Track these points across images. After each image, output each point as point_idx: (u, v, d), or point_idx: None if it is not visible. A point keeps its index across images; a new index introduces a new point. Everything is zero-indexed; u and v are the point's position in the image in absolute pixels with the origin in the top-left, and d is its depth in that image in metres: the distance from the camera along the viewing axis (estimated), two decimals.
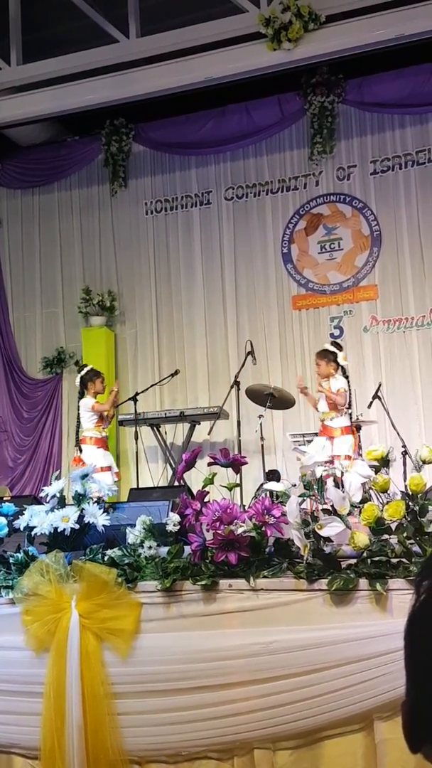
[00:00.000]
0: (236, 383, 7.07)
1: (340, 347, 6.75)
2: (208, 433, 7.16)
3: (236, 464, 2.78)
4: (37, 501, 4.77)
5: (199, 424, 7.69)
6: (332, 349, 6.59)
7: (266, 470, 6.89)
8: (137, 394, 7.48)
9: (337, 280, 8.19)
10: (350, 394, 6.47)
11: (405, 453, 5.79)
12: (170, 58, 7.06)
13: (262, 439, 6.88)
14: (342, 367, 6.49)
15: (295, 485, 5.13)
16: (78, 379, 7.08)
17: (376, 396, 6.82)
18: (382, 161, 8.18)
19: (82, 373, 7.05)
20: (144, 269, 8.77)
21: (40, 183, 9.17)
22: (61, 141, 9.15)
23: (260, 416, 6.86)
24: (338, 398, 6.30)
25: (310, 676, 2.40)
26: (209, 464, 2.79)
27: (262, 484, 6.47)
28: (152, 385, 7.88)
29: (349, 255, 8.19)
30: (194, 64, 6.97)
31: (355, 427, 6.61)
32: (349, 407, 6.46)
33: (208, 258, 8.57)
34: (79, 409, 6.95)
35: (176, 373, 7.96)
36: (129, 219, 8.88)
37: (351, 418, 6.48)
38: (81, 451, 6.70)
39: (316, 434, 7.15)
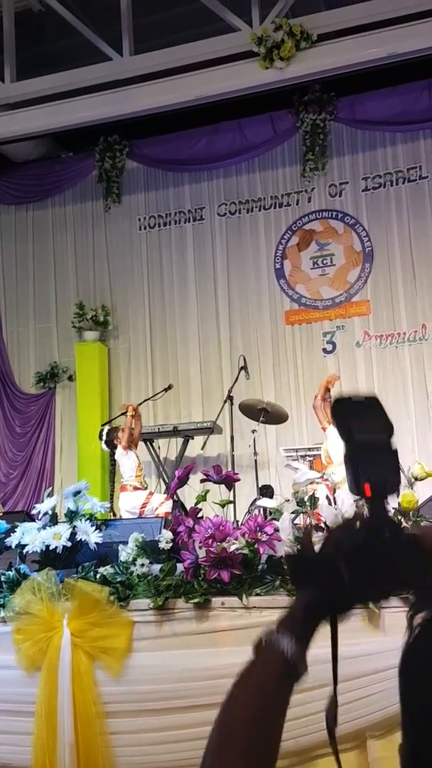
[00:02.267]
0: (230, 398, 7.08)
1: None
2: (202, 448, 7.16)
3: (229, 481, 2.78)
4: (30, 517, 4.75)
5: (193, 438, 7.69)
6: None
7: (260, 485, 6.88)
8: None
9: (329, 295, 8.22)
10: None
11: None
12: (163, 76, 7.10)
13: (255, 454, 6.89)
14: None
15: (288, 501, 5.13)
16: (104, 445, 7.02)
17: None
18: (374, 178, 8.25)
19: (104, 438, 6.99)
20: (137, 284, 8.79)
21: (35, 199, 9.21)
22: (55, 157, 9.19)
23: (253, 431, 6.86)
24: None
25: (303, 694, 2.36)
26: (202, 481, 2.79)
27: (255, 500, 6.47)
28: (146, 400, 7.88)
29: (341, 270, 8.24)
30: (187, 82, 7.02)
31: None
32: None
33: (201, 273, 8.60)
34: (113, 465, 6.90)
35: (170, 387, 7.96)
36: (123, 234, 8.91)
37: None
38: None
39: (309, 449, 7.18)
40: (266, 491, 6.91)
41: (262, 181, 8.57)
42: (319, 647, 2.52)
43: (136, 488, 6.69)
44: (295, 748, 2.42)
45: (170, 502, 6.76)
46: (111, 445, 6.92)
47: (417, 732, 0.85)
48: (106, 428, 7.05)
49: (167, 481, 7.55)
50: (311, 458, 7.01)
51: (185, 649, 2.55)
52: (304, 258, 8.35)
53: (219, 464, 2.88)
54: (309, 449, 7.14)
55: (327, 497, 2.90)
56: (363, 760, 2.34)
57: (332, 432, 6.24)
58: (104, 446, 7.04)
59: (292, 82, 7.08)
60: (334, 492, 2.40)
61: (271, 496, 7.06)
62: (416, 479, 2.51)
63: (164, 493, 7.26)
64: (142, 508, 6.58)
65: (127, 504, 6.54)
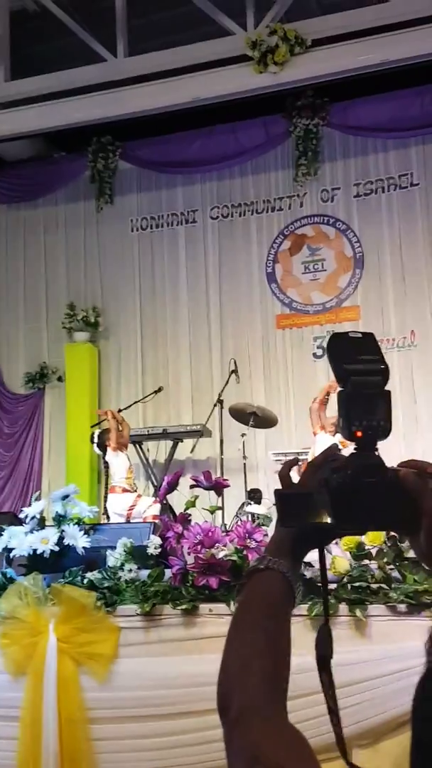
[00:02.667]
0: (220, 401, 7.08)
1: None
2: (191, 452, 7.15)
3: (219, 487, 2.78)
4: (17, 518, 4.73)
5: (182, 441, 7.68)
6: None
7: (248, 489, 6.88)
8: (120, 410, 7.44)
9: (320, 300, 8.24)
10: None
11: None
12: (158, 78, 7.10)
13: (244, 457, 6.89)
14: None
15: (276, 505, 5.12)
16: (96, 448, 6.99)
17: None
18: (365, 184, 8.27)
19: (96, 441, 6.96)
20: (129, 286, 8.78)
21: (26, 198, 9.17)
22: (48, 157, 9.16)
23: (243, 435, 6.87)
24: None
25: (289, 702, 2.39)
26: (191, 487, 2.79)
27: (243, 504, 6.47)
28: (135, 402, 7.87)
29: (332, 276, 8.25)
30: (181, 84, 7.02)
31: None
32: None
33: (193, 276, 8.60)
34: (107, 467, 6.86)
35: (160, 390, 7.96)
36: (115, 235, 8.90)
37: None
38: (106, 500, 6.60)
39: (298, 453, 7.17)
40: (255, 495, 6.91)
41: (255, 185, 8.57)
42: (302, 656, 2.52)
43: (125, 490, 6.66)
44: None
45: (158, 506, 6.75)
46: (103, 447, 6.90)
47: None
48: (97, 431, 7.03)
49: (156, 483, 7.54)
50: (300, 462, 7.00)
51: (172, 656, 2.55)
52: (296, 262, 8.36)
53: (209, 470, 2.88)
54: (298, 453, 7.13)
55: None
56: None
57: (322, 437, 6.23)
58: (96, 449, 7.02)
59: (285, 87, 7.10)
60: None
61: (259, 501, 7.06)
62: None
63: (153, 495, 7.25)
64: (129, 510, 6.55)
65: (115, 506, 6.51)
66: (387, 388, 1.03)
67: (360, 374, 1.03)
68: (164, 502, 6.96)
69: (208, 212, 8.67)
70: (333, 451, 1.07)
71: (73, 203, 9.12)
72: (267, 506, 6.41)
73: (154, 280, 8.75)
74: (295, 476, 1.16)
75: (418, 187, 8.04)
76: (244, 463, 6.90)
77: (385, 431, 1.02)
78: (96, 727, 2.53)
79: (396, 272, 8.01)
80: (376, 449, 1.02)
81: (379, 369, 1.03)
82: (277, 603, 0.99)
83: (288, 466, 1.16)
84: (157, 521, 6.26)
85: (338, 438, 6.05)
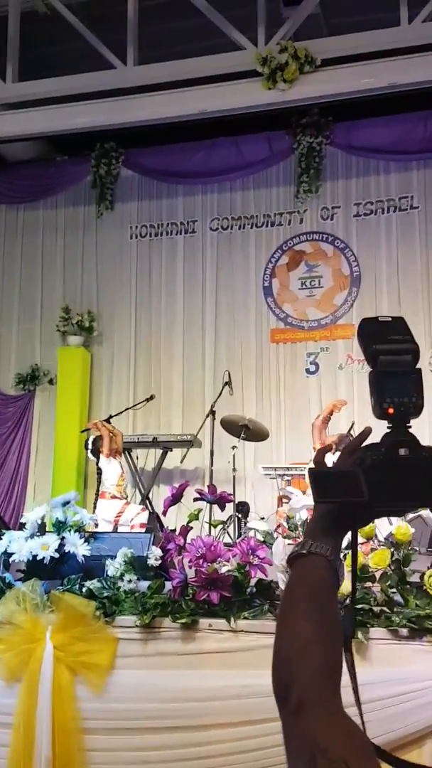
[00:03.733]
0: (212, 412, 7.09)
1: None
2: (181, 461, 7.15)
3: (222, 501, 2.78)
4: (3, 521, 4.69)
5: (171, 450, 7.67)
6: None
7: (236, 501, 6.87)
8: (111, 417, 7.44)
9: (315, 316, 8.28)
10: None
11: None
12: (166, 88, 7.12)
13: (234, 470, 6.90)
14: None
15: (263, 518, 5.12)
16: (90, 453, 6.98)
17: (349, 434, 6.87)
18: (366, 204, 8.34)
19: (90, 447, 6.95)
20: (125, 292, 8.78)
21: (26, 200, 9.16)
22: (50, 160, 9.15)
23: (234, 447, 6.88)
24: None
25: None
26: (195, 500, 2.78)
27: (231, 516, 6.47)
28: (127, 409, 7.86)
29: (328, 293, 8.30)
30: (189, 96, 7.04)
31: None
32: None
33: (189, 286, 8.62)
34: (99, 473, 6.84)
35: (152, 398, 7.95)
36: (113, 242, 8.90)
37: None
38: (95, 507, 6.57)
39: (287, 468, 7.19)
40: (242, 508, 6.92)
41: (256, 199, 8.62)
42: None
43: (113, 497, 6.65)
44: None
45: (146, 513, 6.73)
46: (96, 453, 6.88)
47: None
48: (93, 436, 7.01)
49: (143, 491, 7.53)
50: (289, 477, 7.02)
51: (169, 670, 2.54)
52: (293, 278, 8.41)
53: (213, 484, 2.87)
54: (287, 468, 7.15)
55: None
56: None
57: None
58: (90, 455, 7.00)
59: (292, 105, 7.14)
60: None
61: (246, 514, 7.08)
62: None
63: (140, 503, 7.23)
64: (117, 517, 6.54)
65: (104, 512, 6.49)
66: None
67: (389, 353, 1.04)
68: (154, 512, 6.95)
69: (208, 223, 8.70)
70: (367, 432, 1.08)
71: (73, 207, 9.12)
72: (254, 519, 6.43)
73: (150, 288, 8.75)
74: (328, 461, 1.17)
75: (418, 210, 8.12)
76: (234, 476, 6.90)
77: (417, 408, 1.03)
78: (89, 737, 2.51)
79: (392, 293, 8.07)
80: (409, 426, 1.03)
81: (409, 348, 1.05)
82: (324, 589, 1.00)
83: (322, 452, 1.17)
84: (143, 528, 6.29)
85: (336, 456, 6.07)
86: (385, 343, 1.05)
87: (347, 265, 8.29)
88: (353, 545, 1.09)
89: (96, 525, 6.25)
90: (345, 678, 1.00)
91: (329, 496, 1.03)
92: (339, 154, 8.42)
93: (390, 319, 1.09)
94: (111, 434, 6.93)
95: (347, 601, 2.41)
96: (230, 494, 2.92)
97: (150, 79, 7.15)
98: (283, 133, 8.46)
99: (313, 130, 8.31)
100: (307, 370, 8.18)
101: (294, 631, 0.96)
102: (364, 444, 1.06)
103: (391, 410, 1.02)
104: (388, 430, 1.04)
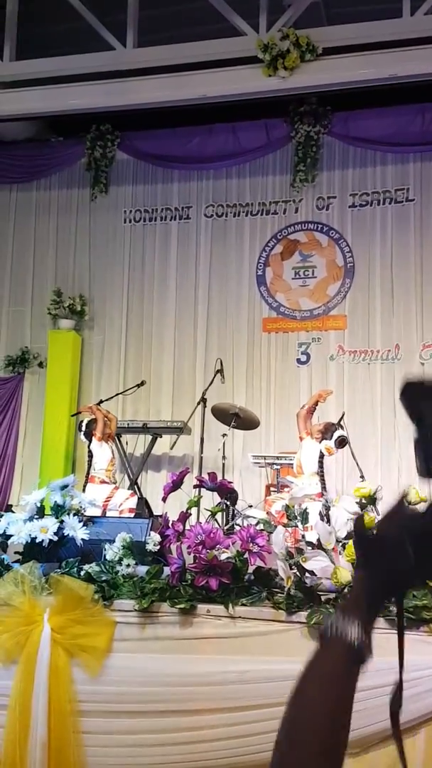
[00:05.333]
0: (203, 400, 7.09)
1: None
2: (171, 448, 7.14)
3: (223, 489, 2.78)
4: None
5: (161, 437, 7.67)
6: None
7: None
8: (101, 401, 7.43)
9: (308, 306, 8.29)
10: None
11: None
12: (165, 71, 7.05)
13: (224, 457, 6.91)
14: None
15: (251, 506, 5.13)
16: (82, 435, 6.97)
17: (339, 425, 6.90)
18: (361, 195, 8.33)
19: (83, 429, 6.95)
20: (117, 277, 8.74)
21: (20, 180, 9.08)
22: (45, 140, 9.07)
23: (224, 435, 6.88)
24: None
25: (282, 708, 2.40)
26: (195, 486, 2.79)
27: (219, 504, 6.47)
28: (117, 394, 7.84)
29: (321, 283, 8.31)
30: (188, 80, 6.99)
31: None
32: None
33: (182, 272, 8.59)
34: (90, 457, 6.83)
35: (142, 383, 7.93)
36: (107, 225, 8.85)
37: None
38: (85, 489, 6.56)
39: (276, 457, 7.22)
40: (231, 496, 6.92)
41: (252, 187, 8.59)
42: (299, 663, 2.52)
43: (103, 481, 6.66)
44: (266, 761, 2.43)
45: (135, 498, 6.75)
46: (89, 436, 6.88)
47: None
48: (86, 419, 7.02)
49: (132, 476, 7.52)
50: (278, 467, 7.05)
51: (166, 654, 2.55)
52: (287, 267, 8.40)
53: (214, 472, 2.88)
54: (277, 457, 7.18)
55: (320, 514, 2.92)
56: None
57: (308, 444, 6.29)
58: (83, 437, 7.00)
59: (292, 93, 7.12)
60: (328, 510, 2.41)
61: (235, 501, 7.09)
62: (410, 504, 2.55)
63: (129, 488, 7.24)
64: (106, 501, 6.55)
65: (92, 497, 6.48)
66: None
67: None
68: (143, 497, 6.96)
69: (203, 210, 8.67)
70: (407, 496, 1.07)
71: (66, 189, 9.05)
72: (242, 507, 6.45)
73: (143, 273, 8.72)
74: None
75: (414, 203, 8.13)
76: (223, 464, 6.92)
77: None
78: (85, 719, 2.52)
79: (385, 285, 8.08)
80: None
81: None
82: (343, 672, 0.97)
83: (362, 519, 1.15)
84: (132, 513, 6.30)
85: (323, 445, 6.12)
86: (430, 403, 1.04)
87: (341, 256, 8.30)
88: (399, 611, 1.07)
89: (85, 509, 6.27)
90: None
91: (374, 563, 1.02)
92: (336, 144, 8.41)
93: None
94: (106, 418, 6.94)
95: (345, 590, 2.44)
96: (231, 482, 2.93)
97: (149, 62, 7.09)
98: (281, 121, 8.44)
99: (310, 118, 8.29)
100: (298, 360, 8.19)
101: (298, 718, 0.95)
102: (407, 507, 1.04)
103: None
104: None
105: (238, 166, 8.61)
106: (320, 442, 6.15)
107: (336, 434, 6.14)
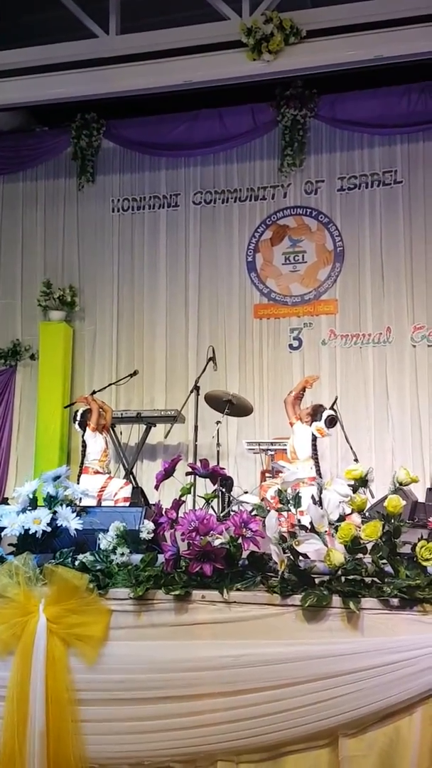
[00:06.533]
0: (196, 387, 7.09)
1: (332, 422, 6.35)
2: (165, 437, 7.15)
3: (215, 475, 2.78)
4: None
5: (155, 426, 7.68)
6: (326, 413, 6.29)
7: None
8: (94, 392, 7.43)
9: (299, 292, 8.28)
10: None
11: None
12: (149, 58, 7.00)
13: (218, 445, 6.92)
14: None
15: (246, 492, 5.15)
16: (77, 425, 6.97)
17: (332, 409, 6.90)
18: (349, 179, 8.31)
19: (78, 419, 6.95)
20: (107, 267, 8.71)
21: (5, 171, 9.02)
22: (30, 130, 9.00)
23: (218, 422, 6.89)
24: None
25: (279, 690, 2.42)
26: (188, 474, 2.79)
27: (214, 491, 6.48)
28: (110, 384, 7.84)
29: (312, 268, 8.29)
30: (173, 66, 6.94)
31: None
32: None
33: (172, 260, 8.56)
34: (84, 447, 6.83)
35: (135, 373, 7.93)
36: (95, 215, 8.81)
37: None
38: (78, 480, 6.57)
39: (271, 443, 7.23)
40: (226, 483, 6.94)
41: (239, 173, 8.56)
42: (294, 645, 2.52)
43: (96, 472, 6.67)
44: (265, 743, 2.45)
45: (129, 488, 6.76)
46: (83, 426, 6.88)
47: None
48: (81, 409, 7.02)
49: (126, 466, 7.53)
50: (272, 452, 7.07)
51: (162, 641, 2.55)
52: (277, 253, 8.38)
53: (206, 458, 2.88)
54: (271, 443, 7.20)
55: (313, 498, 2.94)
56: (334, 758, 2.38)
57: (299, 428, 6.31)
58: (77, 427, 7.00)
59: (277, 76, 7.08)
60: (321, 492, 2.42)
61: (230, 488, 7.11)
62: (401, 485, 2.56)
63: (123, 478, 7.25)
64: (100, 491, 6.56)
65: (87, 487, 6.49)
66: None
67: None
68: (138, 486, 6.96)
69: (191, 197, 8.64)
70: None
71: (53, 179, 9.00)
72: (237, 494, 6.47)
73: (132, 262, 8.69)
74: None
75: (402, 185, 8.11)
76: (218, 451, 6.93)
77: None
78: (83, 708, 2.53)
79: (375, 269, 8.08)
80: None
81: None
82: None
83: None
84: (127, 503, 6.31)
85: (314, 427, 6.13)
86: None
87: (331, 240, 8.28)
88: None
89: (80, 500, 6.28)
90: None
91: None
92: (323, 127, 8.38)
93: None
94: (101, 410, 6.93)
95: (339, 572, 2.45)
96: (223, 468, 2.93)
97: (133, 48, 7.03)
98: (267, 105, 8.40)
99: (297, 102, 8.25)
100: (290, 346, 8.19)
101: None
102: None
103: None
104: None
105: (226, 151, 8.58)
106: (310, 424, 6.17)
107: (325, 414, 6.16)
